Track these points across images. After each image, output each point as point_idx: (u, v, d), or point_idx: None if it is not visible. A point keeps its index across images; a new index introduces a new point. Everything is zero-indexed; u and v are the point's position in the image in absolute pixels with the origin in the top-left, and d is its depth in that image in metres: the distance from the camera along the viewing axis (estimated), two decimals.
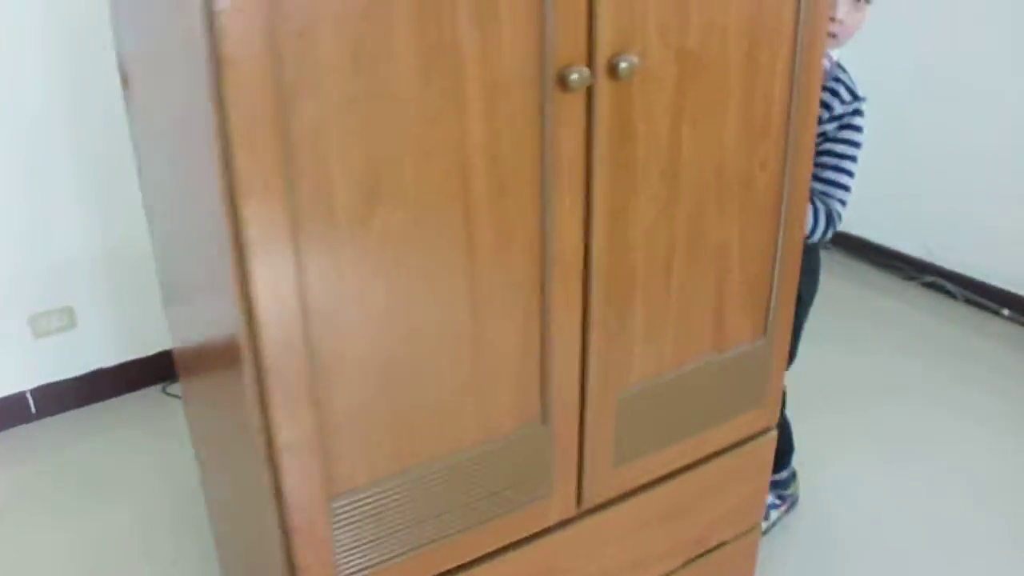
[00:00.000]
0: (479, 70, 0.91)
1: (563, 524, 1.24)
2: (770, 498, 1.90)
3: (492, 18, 0.90)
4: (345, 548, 1.03)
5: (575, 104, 0.98)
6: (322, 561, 1.02)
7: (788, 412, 1.85)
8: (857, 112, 1.45)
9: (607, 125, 1.01)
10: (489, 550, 1.17)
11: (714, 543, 1.46)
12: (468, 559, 1.16)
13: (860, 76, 1.50)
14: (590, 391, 1.16)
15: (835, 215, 1.46)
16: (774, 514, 1.88)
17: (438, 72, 0.88)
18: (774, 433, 1.43)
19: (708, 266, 1.20)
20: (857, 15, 1.42)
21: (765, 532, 1.84)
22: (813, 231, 1.44)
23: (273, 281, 0.86)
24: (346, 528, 1.02)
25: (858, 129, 1.46)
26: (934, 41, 2.73)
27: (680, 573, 1.44)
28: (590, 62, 0.97)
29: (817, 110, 1.21)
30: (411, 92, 0.87)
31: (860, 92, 1.47)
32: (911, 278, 3.01)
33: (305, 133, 0.83)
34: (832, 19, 1.38)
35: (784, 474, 1.90)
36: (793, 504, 1.94)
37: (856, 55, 1.55)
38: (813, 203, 1.44)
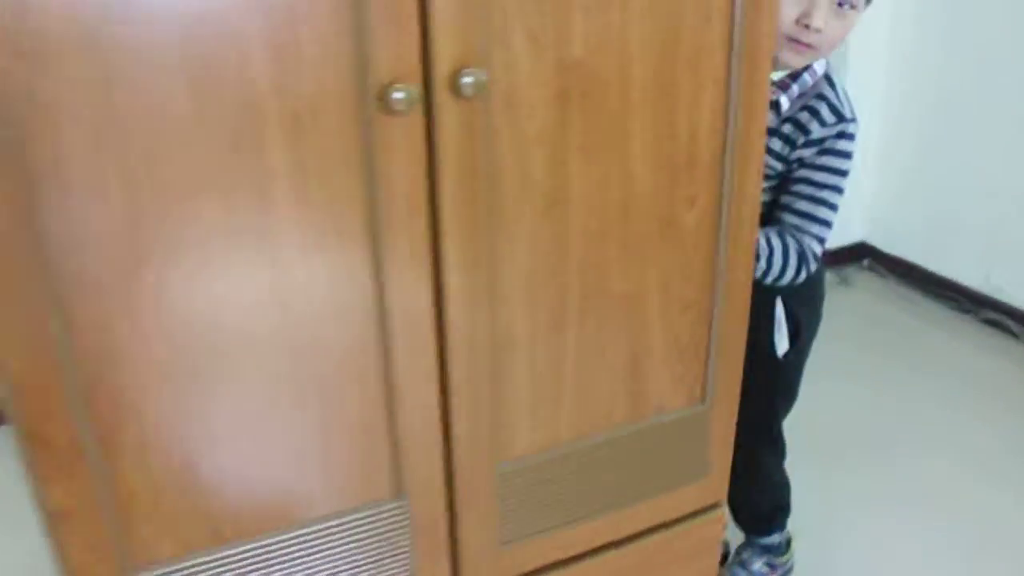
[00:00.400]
0: (275, 92, 0.76)
1: None
2: (758, 565, 1.68)
3: (287, 24, 0.74)
4: None
5: (409, 130, 0.82)
6: None
7: (788, 465, 1.63)
8: (842, 135, 1.23)
9: (456, 156, 0.85)
10: None
11: None
12: None
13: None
14: (458, 464, 1.00)
15: (808, 254, 1.24)
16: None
17: (213, 89, 0.73)
18: (720, 512, 1.23)
19: (616, 321, 1.02)
20: (839, 23, 1.20)
21: None
22: (782, 272, 1.23)
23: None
24: None
25: (843, 155, 1.24)
26: (1002, 59, 2.42)
27: None
28: (426, 78, 0.80)
29: (763, 135, 1.01)
30: (186, 109, 0.73)
31: (848, 112, 1.25)
32: (967, 311, 2.69)
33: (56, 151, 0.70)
34: (807, 27, 1.17)
35: (776, 538, 1.68)
36: (786, 575, 1.72)
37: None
38: (783, 238, 1.23)
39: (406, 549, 1.00)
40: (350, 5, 0.75)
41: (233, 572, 0.91)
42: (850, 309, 2.74)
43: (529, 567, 1.11)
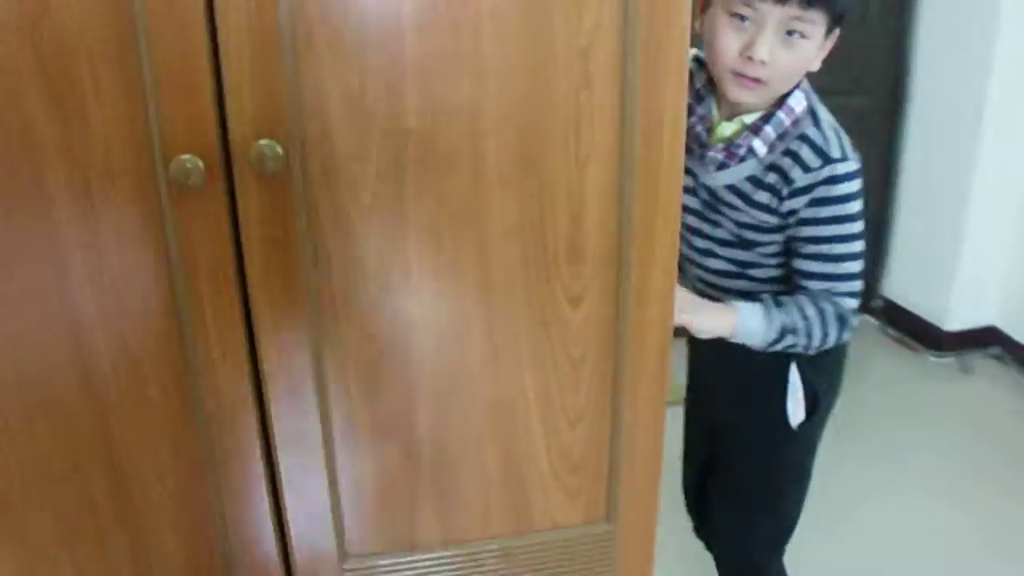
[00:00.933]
0: (65, 160, 0.75)
1: None
2: None
3: (74, 94, 0.72)
4: None
5: (206, 206, 0.78)
6: None
7: None
8: (834, 180, 1.07)
9: (262, 235, 0.80)
10: None
11: None
12: None
13: None
14: (296, 564, 0.94)
15: (847, 313, 1.13)
16: None
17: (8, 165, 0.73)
18: None
19: (478, 428, 0.93)
20: (788, 54, 1.05)
21: None
22: (824, 339, 1.13)
23: None
24: None
25: (842, 200, 1.09)
26: None
27: None
28: (225, 149, 0.76)
29: (675, 221, 0.89)
30: None
31: (836, 151, 1.08)
32: None
33: None
34: (750, 59, 1.04)
35: None
36: None
37: None
38: (817, 305, 1.11)
39: None
40: (135, 63, 0.71)
41: None
42: (965, 405, 2.42)
43: None
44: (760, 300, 1.12)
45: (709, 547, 1.49)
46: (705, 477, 1.47)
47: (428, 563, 0.98)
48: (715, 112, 1.16)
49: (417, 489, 0.94)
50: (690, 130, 1.17)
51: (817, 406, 1.27)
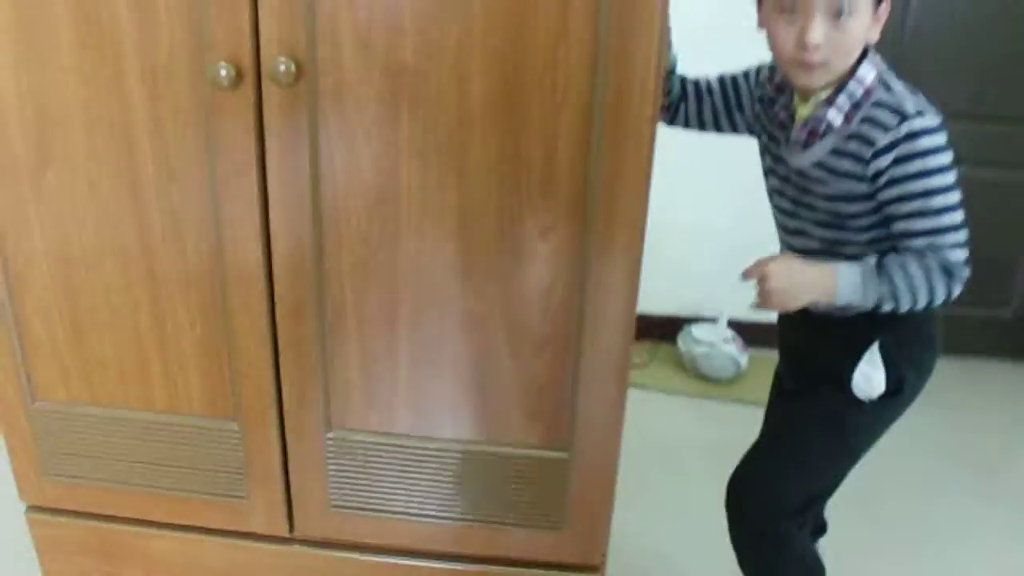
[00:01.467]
0: (138, 56, 1.03)
1: (274, 540, 1.31)
2: None
3: (148, 5, 1.00)
4: (46, 447, 1.28)
5: (240, 103, 1.03)
6: (25, 446, 1.28)
7: None
8: (914, 135, 1.16)
9: (280, 133, 1.04)
10: (184, 523, 1.31)
11: None
12: (164, 520, 1.31)
13: None
14: (289, 414, 1.20)
15: (954, 266, 1.20)
16: None
17: (97, 53, 1.04)
18: None
19: (455, 332, 1.13)
20: (840, 34, 1.15)
21: None
22: (931, 294, 1.20)
23: None
24: (47, 430, 1.27)
25: (928, 153, 1.17)
26: None
27: None
28: (256, 62, 1.01)
29: (644, 172, 1.03)
30: (73, 67, 1.04)
31: (911, 108, 1.16)
32: None
33: None
34: (806, 46, 1.13)
35: None
36: None
37: None
38: (921, 261, 1.20)
39: (239, 468, 1.23)
40: None
41: (114, 426, 1.24)
42: None
43: (348, 537, 1.27)
44: (861, 260, 1.20)
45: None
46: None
47: (401, 448, 1.20)
48: (796, 98, 1.26)
49: (396, 381, 1.14)
50: (775, 119, 1.31)
51: (901, 391, 1.33)
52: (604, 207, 1.04)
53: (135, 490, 1.31)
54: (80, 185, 1.12)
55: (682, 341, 3.05)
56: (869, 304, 1.20)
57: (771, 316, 1.39)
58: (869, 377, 1.35)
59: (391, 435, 1.21)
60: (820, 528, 1.68)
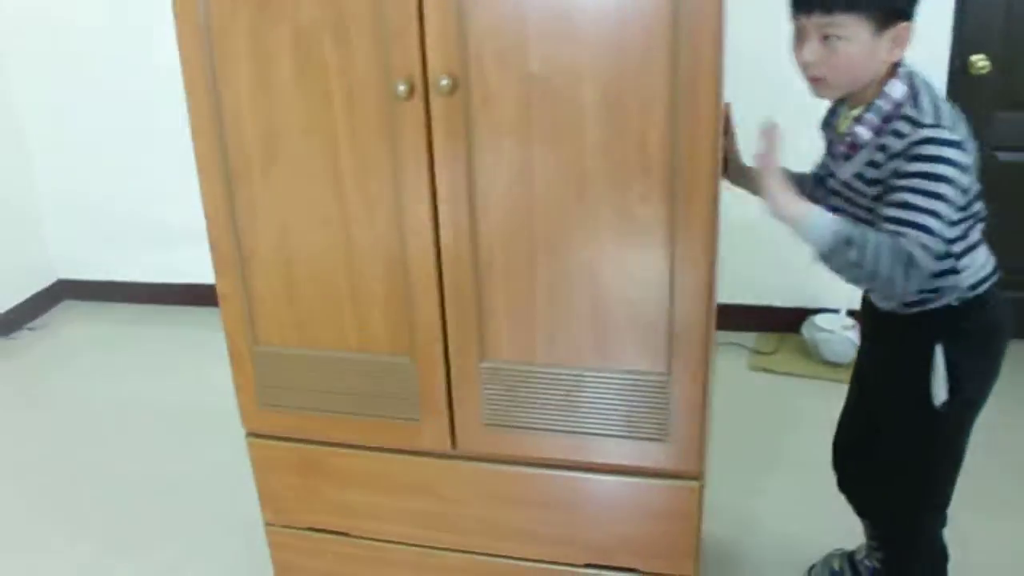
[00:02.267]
0: (339, 80, 1.53)
1: (440, 456, 1.79)
2: None
3: (345, 38, 1.50)
4: (268, 383, 1.82)
5: (413, 110, 1.52)
6: (248, 382, 1.81)
7: None
8: (926, 141, 1.46)
9: (444, 131, 1.52)
10: (368, 443, 1.81)
11: (623, 564, 1.78)
12: (352, 442, 1.83)
13: None
14: (452, 350, 1.67)
15: (907, 253, 1.45)
16: None
17: (309, 78, 1.56)
18: (693, 484, 1.67)
19: (578, 279, 1.58)
20: (831, 55, 1.50)
21: None
22: (876, 263, 1.45)
23: (214, 201, 1.69)
24: (265, 369, 1.79)
25: (932, 160, 1.46)
26: None
27: (580, 573, 1.80)
28: (424, 79, 1.49)
29: (713, 152, 1.44)
30: (291, 87, 1.56)
31: (930, 119, 1.48)
32: None
33: (228, 106, 1.60)
34: (805, 66, 1.52)
35: None
36: None
37: None
38: (879, 235, 1.47)
39: (414, 396, 1.71)
40: (378, 20, 1.47)
41: (314, 363, 1.76)
42: None
43: (501, 451, 1.72)
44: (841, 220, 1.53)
45: (850, 500, 1.97)
46: (850, 437, 1.95)
47: (539, 374, 1.67)
48: (841, 115, 1.64)
49: (533, 319, 1.59)
50: (828, 135, 1.70)
51: (960, 389, 1.63)
52: (688, 177, 1.46)
53: (330, 416, 1.81)
54: (298, 178, 1.62)
55: (806, 329, 3.44)
56: (825, 246, 1.48)
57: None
58: (940, 381, 1.64)
59: (530, 363, 1.66)
60: None
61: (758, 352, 3.41)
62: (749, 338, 3.48)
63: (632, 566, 1.80)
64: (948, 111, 1.52)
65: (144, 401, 3.36)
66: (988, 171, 3.09)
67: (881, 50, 1.51)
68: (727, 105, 1.74)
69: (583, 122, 1.48)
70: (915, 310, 1.66)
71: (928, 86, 1.56)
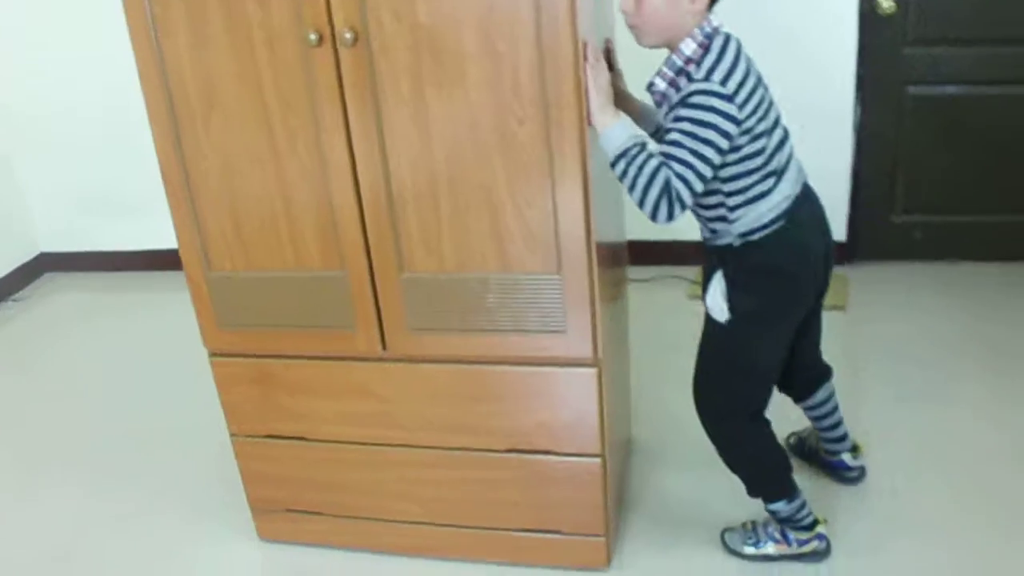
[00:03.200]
0: (261, 31, 1.86)
1: (375, 360, 2.13)
2: (770, 528, 2.26)
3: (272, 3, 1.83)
4: (223, 306, 2.16)
5: (325, 57, 1.84)
6: (206, 306, 2.14)
7: None
8: (695, 92, 1.80)
9: (351, 76, 1.85)
10: (314, 353, 2.15)
11: (538, 447, 2.12)
12: (298, 353, 2.16)
13: None
14: (376, 265, 2.01)
15: (672, 189, 1.78)
16: (766, 548, 2.24)
17: (236, 31, 1.88)
18: (591, 371, 2.00)
19: (475, 198, 1.91)
20: (641, 7, 1.82)
21: (743, 557, 2.28)
22: (645, 195, 1.78)
23: (164, 145, 2.02)
24: (220, 293, 2.13)
25: (697, 107, 1.78)
26: None
27: (506, 457, 2.15)
28: (332, 32, 1.81)
29: (574, 79, 1.76)
30: (221, 40, 1.88)
31: (702, 75, 1.81)
32: None
33: (170, 60, 1.92)
34: (624, 15, 1.86)
35: (781, 508, 2.19)
36: (816, 554, 2.23)
37: None
38: (660, 169, 1.78)
39: (347, 306, 2.04)
40: None
41: (261, 284, 2.08)
42: None
43: (426, 352, 2.06)
44: (639, 137, 1.86)
45: None
46: None
47: (451, 281, 2.01)
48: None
49: (441, 232, 1.92)
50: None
51: (735, 311, 1.99)
52: (554, 101, 1.79)
53: (278, 330, 2.16)
54: (233, 121, 1.96)
55: None
56: (611, 153, 1.82)
57: None
58: (715, 300, 2.02)
59: (442, 272, 1.99)
60: (821, 376, 2.38)
61: (696, 283, 3.74)
62: (690, 271, 3.82)
63: (549, 448, 2.14)
64: (728, 69, 1.81)
65: (116, 361, 3.70)
66: (898, 103, 3.45)
67: (683, 3, 1.81)
68: (608, 41, 2.07)
69: (465, 63, 1.80)
70: (709, 245, 2.04)
71: (723, 48, 1.83)
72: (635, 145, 1.83)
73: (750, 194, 1.92)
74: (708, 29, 1.85)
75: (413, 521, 2.33)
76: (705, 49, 1.84)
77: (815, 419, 2.44)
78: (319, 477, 2.35)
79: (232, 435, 2.37)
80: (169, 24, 1.91)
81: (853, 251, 3.72)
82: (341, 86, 1.87)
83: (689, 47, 1.85)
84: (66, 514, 2.78)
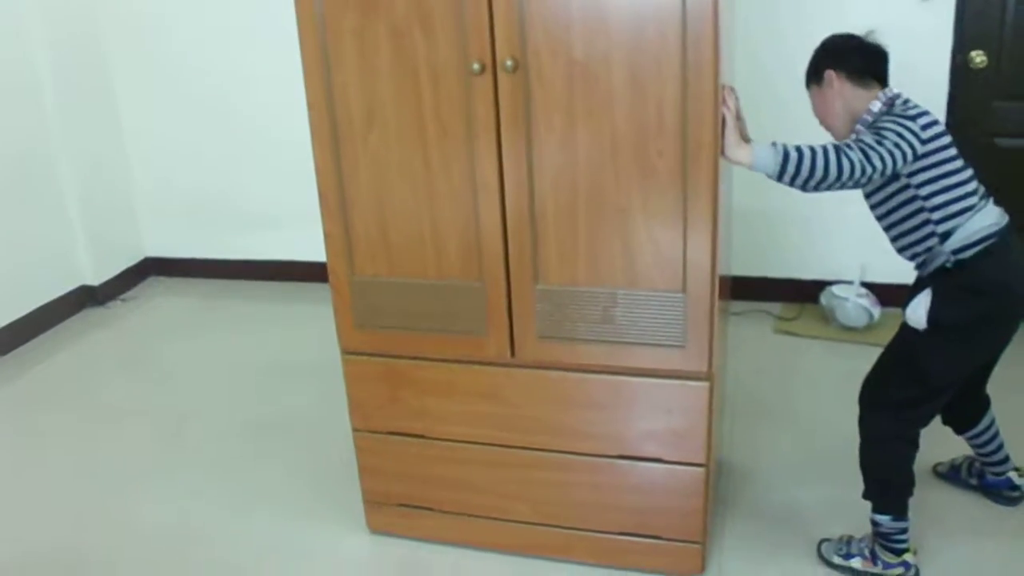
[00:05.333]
0: (427, 62, 2.07)
1: (502, 365, 2.32)
2: (864, 542, 2.41)
3: (431, 31, 2.04)
4: (362, 308, 2.36)
5: (485, 85, 2.05)
6: (345, 307, 2.35)
7: None
8: (886, 115, 2.16)
9: (508, 102, 2.05)
10: (444, 356, 2.34)
11: (647, 454, 2.29)
12: (429, 355, 2.37)
13: None
14: (513, 276, 2.20)
15: (844, 150, 2.02)
16: (853, 562, 2.39)
17: (403, 63, 2.09)
18: (704, 384, 2.18)
19: (611, 219, 2.10)
20: (819, 110, 2.32)
21: (830, 565, 2.43)
22: (840, 158, 2.00)
23: (324, 160, 2.23)
24: (360, 295, 2.33)
25: (888, 120, 2.12)
26: None
27: (616, 463, 2.32)
28: (492, 60, 2.03)
29: (712, 118, 1.96)
30: (387, 69, 2.10)
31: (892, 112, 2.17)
32: None
33: (337, 86, 2.14)
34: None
35: (883, 521, 2.33)
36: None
37: None
38: (834, 145, 2.06)
39: (481, 314, 2.23)
40: (457, 16, 2.01)
41: (401, 289, 2.30)
42: None
43: (552, 359, 2.24)
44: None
45: None
46: None
47: (581, 294, 2.20)
48: None
49: (577, 249, 2.11)
50: None
51: (937, 323, 2.18)
52: (693, 136, 1.97)
53: (412, 334, 2.35)
54: (391, 139, 2.17)
55: (824, 298, 3.95)
56: (776, 165, 2.01)
57: (903, 278, 2.38)
58: (916, 310, 2.22)
59: (574, 285, 2.18)
60: (983, 408, 2.55)
61: (782, 318, 3.91)
62: (775, 307, 3.98)
63: (657, 456, 2.31)
64: (913, 109, 2.16)
65: (226, 360, 3.93)
66: (987, 155, 3.60)
67: (829, 96, 2.25)
68: (734, 89, 2.27)
69: (613, 97, 2.00)
70: (921, 272, 2.27)
71: (906, 104, 2.18)
72: (784, 146, 2.03)
73: (951, 210, 2.14)
74: (889, 94, 2.23)
75: (521, 520, 2.50)
76: (889, 105, 2.19)
77: (979, 446, 2.60)
78: (434, 474, 2.53)
79: (355, 430, 2.56)
80: (341, 55, 2.13)
81: None
82: (497, 112, 2.08)
83: (876, 106, 2.22)
84: (182, 502, 2.98)
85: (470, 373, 2.37)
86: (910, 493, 2.34)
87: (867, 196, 2.26)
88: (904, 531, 2.34)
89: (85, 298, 4.50)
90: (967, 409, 2.53)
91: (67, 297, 4.41)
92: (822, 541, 2.49)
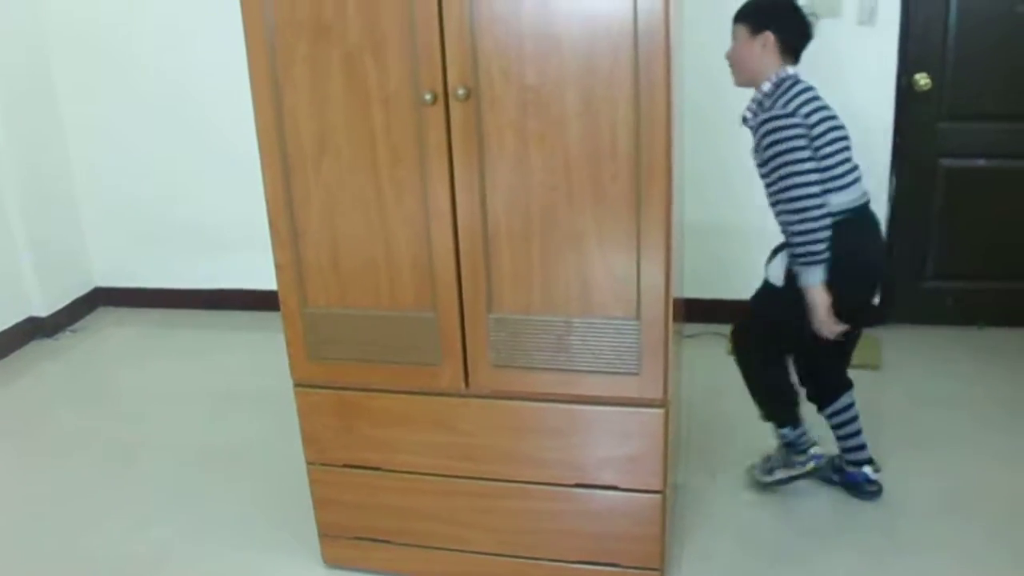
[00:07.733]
0: (379, 90, 2.03)
1: (457, 395, 2.27)
2: (777, 458, 2.80)
3: (383, 59, 2.01)
4: (315, 339, 2.30)
5: (437, 113, 2.01)
6: (298, 338, 2.29)
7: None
8: (766, 123, 2.36)
9: (460, 130, 2.02)
10: (397, 387, 2.29)
11: (604, 482, 2.25)
12: (383, 386, 2.31)
13: None
14: (466, 305, 2.16)
15: (802, 213, 2.35)
16: (778, 473, 2.78)
17: (355, 91, 2.05)
18: (659, 411, 2.15)
19: (565, 245, 2.07)
20: (734, 54, 2.37)
21: (768, 485, 2.81)
22: (802, 232, 2.38)
23: (274, 188, 2.17)
24: (312, 327, 2.27)
25: (777, 142, 2.35)
26: None
27: (573, 491, 2.28)
28: (444, 89, 1.99)
29: (667, 138, 1.94)
30: (339, 96, 2.05)
31: (775, 111, 2.34)
32: None
33: (288, 112, 2.09)
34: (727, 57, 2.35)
35: (786, 433, 2.73)
36: (818, 466, 2.73)
37: None
38: (791, 227, 2.42)
39: (435, 344, 2.19)
40: (408, 44, 1.97)
41: (353, 320, 2.23)
42: None
43: (506, 388, 2.20)
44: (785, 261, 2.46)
45: None
46: None
47: (535, 322, 2.16)
48: None
49: (531, 276, 2.08)
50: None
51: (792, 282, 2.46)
52: (646, 159, 1.95)
53: (365, 365, 2.30)
54: (342, 168, 2.12)
55: None
56: (803, 263, 2.39)
57: None
58: (775, 268, 2.53)
59: (528, 313, 2.15)
60: (844, 385, 2.75)
61: None
62: (728, 328, 3.97)
63: (614, 484, 2.27)
64: (790, 103, 2.36)
65: (177, 390, 3.84)
66: (932, 176, 3.63)
67: (756, 50, 2.39)
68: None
69: (566, 120, 1.98)
70: (788, 238, 2.50)
71: (790, 90, 2.38)
72: (784, 254, 2.47)
73: (825, 186, 2.38)
74: (782, 74, 2.42)
75: (478, 551, 2.45)
76: (776, 87, 2.34)
77: (837, 426, 2.76)
78: (390, 505, 2.47)
79: (309, 463, 2.49)
80: (292, 81, 2.09)
81: (887, 314, 3.88)
82: (450, 139, 2.04)
83: (766, 86, 2.44)
84: (132, 534, 2.88)
85: (425, 403, 2.32)
86: (796, 403, 2.73)
87: (762, 175, 2.50)
88: (804, 433, 2.74)
89: (34, 330, 4.38)
90: (827, 384, 2.74)
91: (14, 329, 4.29)
92: (749, 468, 2.89)
